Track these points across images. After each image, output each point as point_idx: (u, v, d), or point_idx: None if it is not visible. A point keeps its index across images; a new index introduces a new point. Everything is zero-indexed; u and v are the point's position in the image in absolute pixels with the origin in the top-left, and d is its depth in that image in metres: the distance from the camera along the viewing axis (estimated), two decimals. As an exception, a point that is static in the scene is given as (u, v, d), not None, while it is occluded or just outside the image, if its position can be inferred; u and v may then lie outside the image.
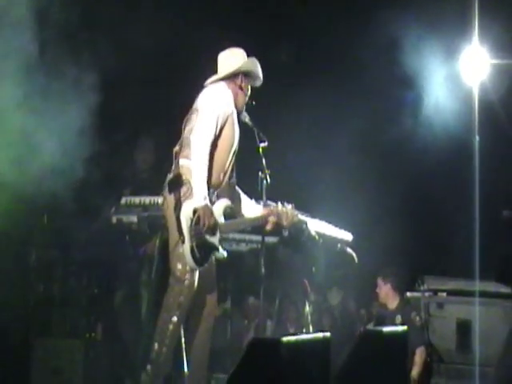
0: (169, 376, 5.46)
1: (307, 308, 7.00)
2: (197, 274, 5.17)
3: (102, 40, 6.24)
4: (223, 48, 5.52)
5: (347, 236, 6.97)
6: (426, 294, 7.51)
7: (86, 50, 6.11)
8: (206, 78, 5.49)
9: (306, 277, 7.10)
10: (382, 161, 9.01)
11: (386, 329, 5.05)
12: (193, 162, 5.10)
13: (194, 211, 5.09)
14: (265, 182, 5.37)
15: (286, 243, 6.66)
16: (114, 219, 6.50)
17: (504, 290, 7.31)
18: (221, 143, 5.27)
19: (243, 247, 6.73)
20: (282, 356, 3.70)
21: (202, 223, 5.08)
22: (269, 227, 5.45)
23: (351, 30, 8.54)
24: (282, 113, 8.42)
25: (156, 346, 5.16)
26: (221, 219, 5.24)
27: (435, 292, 7.54)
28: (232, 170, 5.41)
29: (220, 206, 5.25)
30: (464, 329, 7.26)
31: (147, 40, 7.14)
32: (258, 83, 5.50)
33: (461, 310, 7.38)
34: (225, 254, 5.25)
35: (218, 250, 5.21)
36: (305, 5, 8.96)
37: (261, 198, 5.52)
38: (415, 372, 6.98)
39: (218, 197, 5.30)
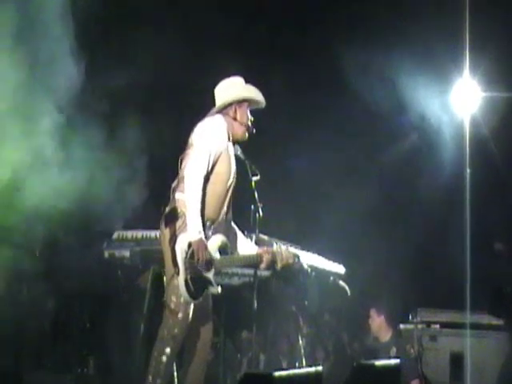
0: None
1: (300, 341, 6.98)
2: (192, 306, 5.15)
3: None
4: (225, 76, 5.54)
5: (339, 269, 6.97)
6: (419, 326, 7.49)
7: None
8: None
9: (298, 310, 7.09)
10: (374, 193, 9.03)
11: (379, 362, 5.03)
12: (186, 196, 5.11)
13: (189, 244, 5.10)
14: (257, 214, 5.37)
15: (278, 276, 6.66)
16: (106, 254, 6.50)
17: (496, 321, 7.31)
18: (215, 178, 5.26)
19: (236, 281, 6.72)
20: (274, 391, 3.69)
21: (197, 258, 5.08)
22: (263, 266, 5.45)
23: (347, 62, 8.60)
24: (273, 142, 8.46)
25: (150, 378, 5.14)
26: (216, 255, 5.24)
27: (428, 324, 7.53)
28: (229, 204, 5.40)
29: (216, 242, 5.25)
30: (457, 361, 7.24)
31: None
32: (261, 106, 5.49)
33: (454, 342, 7.36)
34: (219, 289, 5.25)
35: (212, 285, 5.21)
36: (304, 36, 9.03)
37: (253, 231, 5.52)
38: (411, 405, 6.96)
39: (215, 231, 5.29)
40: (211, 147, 5.22)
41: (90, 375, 6.94)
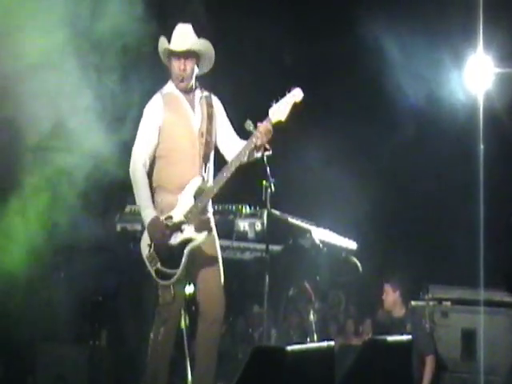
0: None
1: (311, 316, 6.99)
2: (174, 287, 5.16)
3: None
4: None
5: (351, 244, 6.97)
6: (431, 302, 7.49)
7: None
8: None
9: (310, 285, 7.10)
10: (387, 169, 9.01)
11: (391, 338, 5.04)
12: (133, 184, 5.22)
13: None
14: (269, 190, 5.36)
15: (290, 251, 6.66)
16: (119, 227, 6.52)
17: (509, 298, 7.30)
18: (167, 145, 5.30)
19: (247, 256, 6.74)
20: (286, 365, 3.70)
21: (155, 239, 5.14)
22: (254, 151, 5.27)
23: (360, 39, 8.55)
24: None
25: (148, 359, 5.23)
26: (189, 200, 5.18)
27: (440, 301, 7.52)
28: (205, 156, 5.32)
29: (191, 190, 5.21)
30: (469, 338, 7.24)
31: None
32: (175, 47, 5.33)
33: (465, 319, 7.35)
34: (201, 236, 5.18)
35: (190, 241, 5.17)
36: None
37: (265, 207, 5.51)
38: (426, 381, 6.97)
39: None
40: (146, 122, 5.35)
41: (103, 347, 6.99)
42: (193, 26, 5.39)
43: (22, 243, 6.50)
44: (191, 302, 5.61)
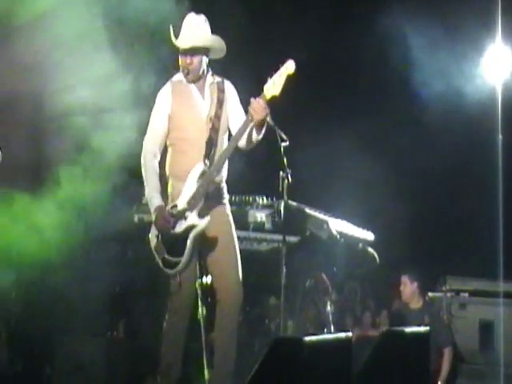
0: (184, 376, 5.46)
1: (328, 307, 6.98)
2: (181, 275, 5.19)
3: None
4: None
5: (368, 235, 6.94)
6: (449, 294, 7.47)
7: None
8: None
9: (327, 276, 7.08)
10: (405, 159, 8.97)
11: (408, 329, 5.02)
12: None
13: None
14: (286, 181, 5.35)
15: (307, 242, 6.65)
16: (136, 218, 6.52)
17: (527, 290, 7.27)
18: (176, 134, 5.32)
19: (264, 246, 6.72)
20: (304, 355, 3.70)
21: (160, 229, 5.18)
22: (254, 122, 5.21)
23: (378, 26, 8.50)
24: (301, 110, 8.40)
25: (162, 349, 5.30)
26: (192, 187, 5.19)
27: (457, 292, 7.50)
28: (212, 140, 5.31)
29: (194, 177, 5.22)
30: (487, 329, 7.22)
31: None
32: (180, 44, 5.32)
33: (483, 311, 7.33)
34: (203, 222, 5.17)
35: (193, 228, 5.16)
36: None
37: (282, 198, 5.50)
38: (444, 373, 6.96)
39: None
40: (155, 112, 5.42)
41: (120, 338, 7.00)
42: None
43: (49, 235, 6.55)
44: (208, 292, 5.61)
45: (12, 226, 6.53)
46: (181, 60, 5.31)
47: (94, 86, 6.41)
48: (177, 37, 5.28)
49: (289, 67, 5.19)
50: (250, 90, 5.41)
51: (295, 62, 5.22)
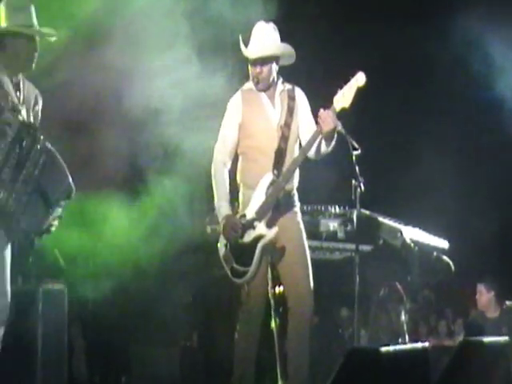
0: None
1: (402, 317, 6.90)
2: (250, 285, 5.19)
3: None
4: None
5: (443, 243, 6.83)
6: (527, 303, 7.29)
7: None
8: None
9: (401, 285, 7.00)
10: (478, 166, 8.81)
11: (487, 339, 4.91)
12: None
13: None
14: (358, 189, 5.30)
15: (380, 251, 6.59)
16: (209, 229, 6.56)
17: None
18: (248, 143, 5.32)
19: (337, 256, 6.68)
20: (381, 366, 3.65)
21: (228, 238, 5.19)
22: (323, 131, 5.15)
23: (457, 29, 8.37)
24: (372, 116, 8.32)
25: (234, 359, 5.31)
26: (261, 196, 5.19)
27: (537, 301, 7.32)
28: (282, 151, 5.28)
29: (263, 186, 5.21)
30: None
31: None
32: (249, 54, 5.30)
33: None
34: (272, 232, 5.16)
35: (261, 238, 5.16)
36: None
37: (355, 206, 5.46)
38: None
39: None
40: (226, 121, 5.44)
41: (194, 348, 7.05)
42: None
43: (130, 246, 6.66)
44: (281, 301, 5.61)
45: (92, 236, 6.67)
46: (251, 69, 5.32)
47: (182, 90, 6.46)
48: (246, 45, 5.31)
49: (359, 79, 5.15)
50: (319, 95, 5.40)
51: (368, 67, 5.19)
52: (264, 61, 5.27)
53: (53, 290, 6.24)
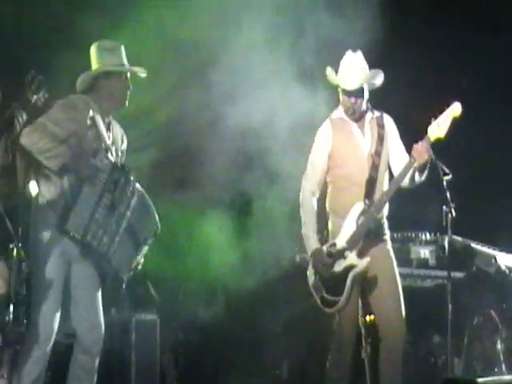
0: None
1: (498, 345, 6.71)
2: (340, 314, 5.16)
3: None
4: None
5: (540, 270, 6.63)
6: None
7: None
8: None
9: (496, 313, 6.82)
10: None
11: None
12: None
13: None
14: (450, 215, 5.22)
15: (473, 278, 6.45)
16: (298, 258, 6.55)
17: None
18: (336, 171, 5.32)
19: (428, 283, 6.58)
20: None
21: (318, 271, 5.17)
22: (416, 165, 5.11)
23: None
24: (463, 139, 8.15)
25: None
26: (352, 226, 5.16)
27: None
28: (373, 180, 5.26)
29: (353, 216, 5.18)
30: None
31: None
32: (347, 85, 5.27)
33: None
34: (363, 262, 5.11)
35: (352, 268, 5.12)
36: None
37: (446, 233, 5.37)
38: None
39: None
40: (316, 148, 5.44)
41: (285, 378, 7.02)
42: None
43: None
44: (372, 330, 5.54)
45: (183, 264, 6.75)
46: (344, 99, 5.31)
47: (285, 114, 6.48)
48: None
49: (455, 109, 5.08)
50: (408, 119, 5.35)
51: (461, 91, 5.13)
52: (359, 92, 5.27)
53: (145, 321, 6.35)
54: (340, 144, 5.33)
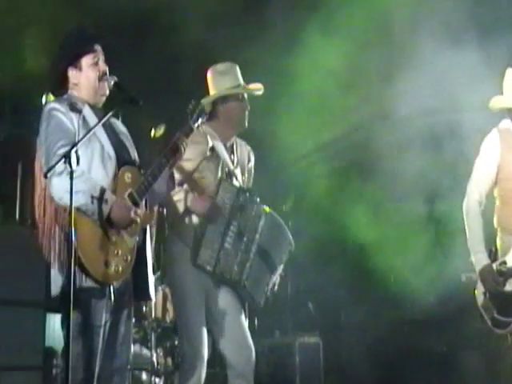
0: None
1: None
2: None
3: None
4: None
5: None
6: None
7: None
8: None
9: None
10: None
11: None
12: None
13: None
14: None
15: None
16: (464, 277, 6.35)
17: None
18: None
19: None
20: None
21: (488, 289, 4.94)
22: None
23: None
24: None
25: None
26: None
27: None
28: None
29: None
30: None
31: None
32: None
33: None
34: None
35: None
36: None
37: None
38: None
39: None
40: None
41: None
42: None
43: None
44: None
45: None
46: None
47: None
48: None
49: None
50: None
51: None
52: None
53: (309, 343, 6.34)
54: (509, 156, 5.14)
